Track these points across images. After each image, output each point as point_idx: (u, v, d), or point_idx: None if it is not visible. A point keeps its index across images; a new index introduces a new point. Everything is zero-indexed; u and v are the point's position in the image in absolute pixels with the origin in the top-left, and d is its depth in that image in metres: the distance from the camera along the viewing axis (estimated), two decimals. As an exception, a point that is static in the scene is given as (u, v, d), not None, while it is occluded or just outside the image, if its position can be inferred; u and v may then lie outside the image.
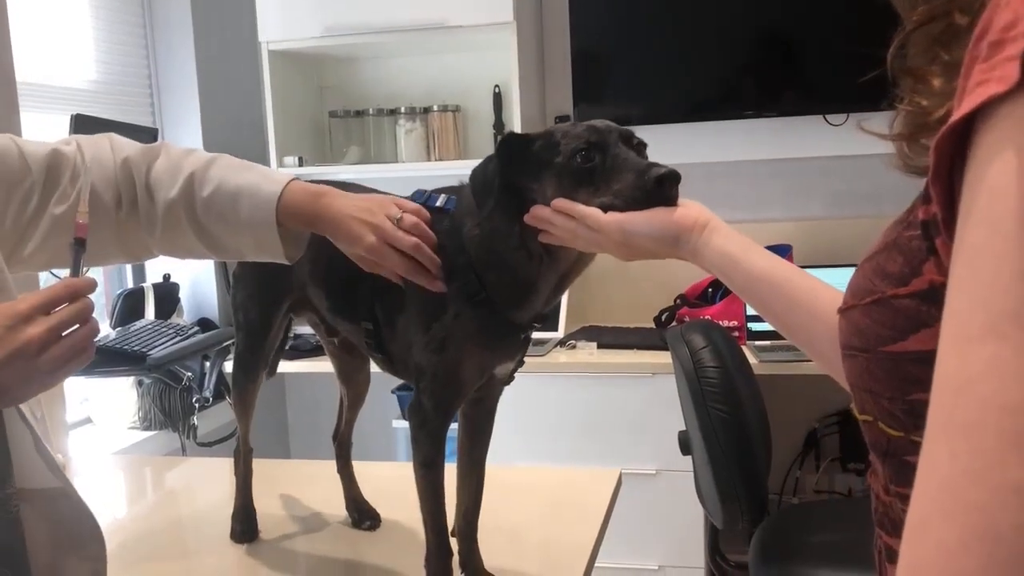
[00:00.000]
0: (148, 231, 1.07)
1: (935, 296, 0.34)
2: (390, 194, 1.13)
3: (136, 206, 1.06)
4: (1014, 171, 0.31)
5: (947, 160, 0.36)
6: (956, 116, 0.34)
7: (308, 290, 1.29)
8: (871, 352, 0.49)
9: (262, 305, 1.36)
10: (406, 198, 1.13)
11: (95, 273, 2.73)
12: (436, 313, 1.11)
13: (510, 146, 1.06)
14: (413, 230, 1.04)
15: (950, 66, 0.39)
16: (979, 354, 0.31)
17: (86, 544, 0.92)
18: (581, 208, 0.98)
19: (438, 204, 1.12)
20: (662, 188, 0.96)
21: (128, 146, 1.09)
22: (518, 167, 1.05)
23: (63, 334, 0.80)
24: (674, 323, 2.75)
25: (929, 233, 0.45)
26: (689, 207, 0.95)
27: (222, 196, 1.05)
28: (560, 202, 1.00)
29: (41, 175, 1.00)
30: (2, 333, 0.77)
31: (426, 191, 1.15)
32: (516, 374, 1.24)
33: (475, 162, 1.10)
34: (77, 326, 0.82)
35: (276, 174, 1.09)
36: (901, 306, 0.47)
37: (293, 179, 1.07)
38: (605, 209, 0.97)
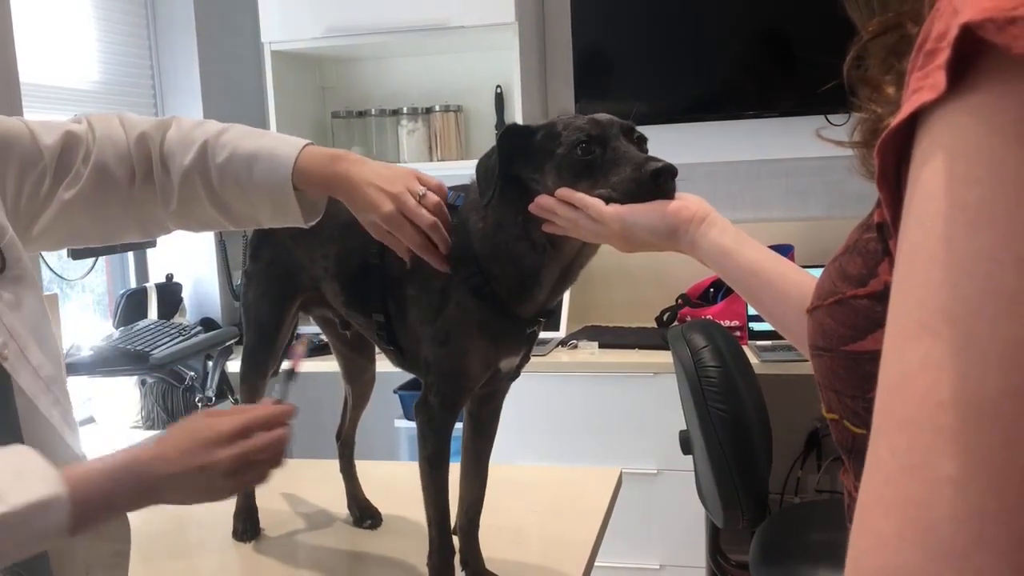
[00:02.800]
0: (164, 204, 1.06)
1: (889, 297, 0.35)
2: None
3: (151, 179, 1.05)
4: (943, 174, 0.33)
5: (892, 164, 0.37)
6: (894, 123, 0.35)
7: (323, 285, 1.30)
8: (834, 351, 0.51)
9: (273, 303, 1.37)
10: None
11: (100, 268, 2.73)
12: (441, 306, 1.13)
13: (512, 137, 1.07)
14: (433, 209, 1.05)
15: (902, 75, 0.40)
16: (915, 351, 0.32)
17: (109, 525, 0.92)
18: (583, 197, 1.00)
19: (448, 200, 1.14)
20: (658, 181, 0.97)
21: (141, 121, 1.08)
22: (520, 158, 1.07)
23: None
24: (675, 323, 2.75)
25: (883, 235, 0.47)
26: (688, 201, 0.97)
27: (237, 161, 1.04)
28: (563, 191, 1.02)
29: (53, 159, 1.00)
30: (199, 447, 0.83)
31: None
32: (521, 371, 1.25)
33: (477, 162, 1.11)
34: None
35: (291, 139, 1.07)
36: (860, 306, 0.48)
37: (309, 143, 1.06)
38: (604, 201, 0.99)
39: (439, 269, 1.09)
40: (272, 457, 0.88)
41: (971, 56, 0.32)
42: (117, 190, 1.04)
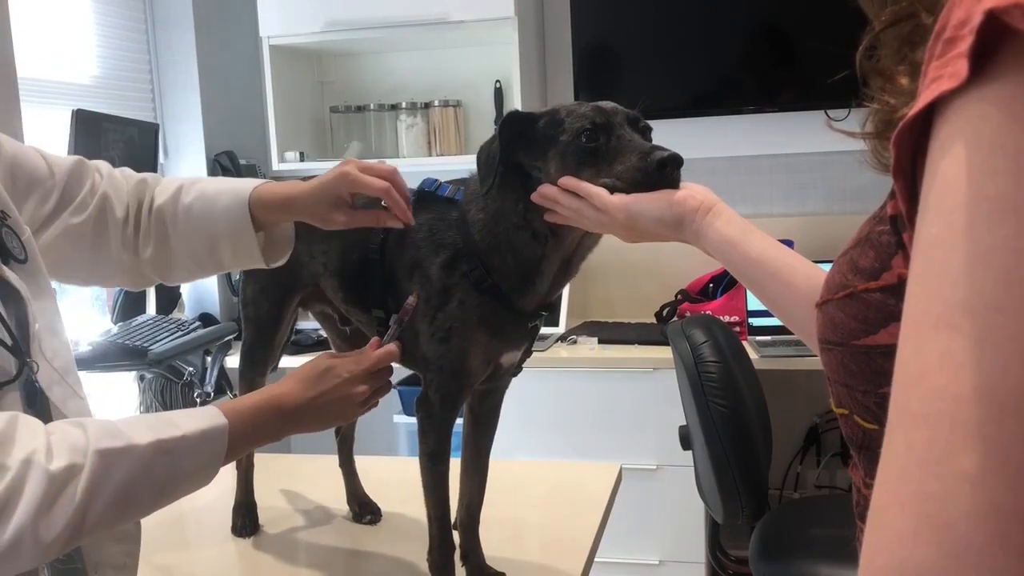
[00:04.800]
0: (143, 247, 1.10)
1: (903, 290, 0.34)
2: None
3: (139, 222, 1.10)
4: (964, 165, 0.32)
5: (908, 155, 0.36)
6: (911, 112, 0.35)
7: (322, 282, 1.30)
8: (845, 345, 0.50)
9: (273, 300, 1.36)
10: (417, 187, 1.17)
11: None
12: (441, 303, 1.12)
13: (513, 124, 1.06)
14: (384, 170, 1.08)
15: (916, 65, 0.40)
16: (933, 345, 0.32)
17: (122, 528, 0.92)
18: (588, 187, 0.99)
19: (447, 194, 1.14)
20: (664, 171, 0.96)
21: (143, 174, 1.14)
22: (522, 145, 1.06)
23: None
24: (675, 318, 2.75)
25: (897, 228, 0.46)
26: (694, 190, 0.95)
27: (203, 199, 1.09)
28: (567, 180, 1.01)
29: (63, 180, 1.04)
30: (344, 384, 1.02)
31: (437, 180, 1.16)
32: (523, 366, 1.25)
33: (478, 149, 1.10)
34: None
35: (263, 181, 1.13)
36: (872, 300, 0.48)
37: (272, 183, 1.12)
38: (608, 190, 0.98)
39: (403, 219, 1.08)
40: (383, 387, 1.08)
41: (994, 44, 0.32)
42: (115, 229, 1.08)
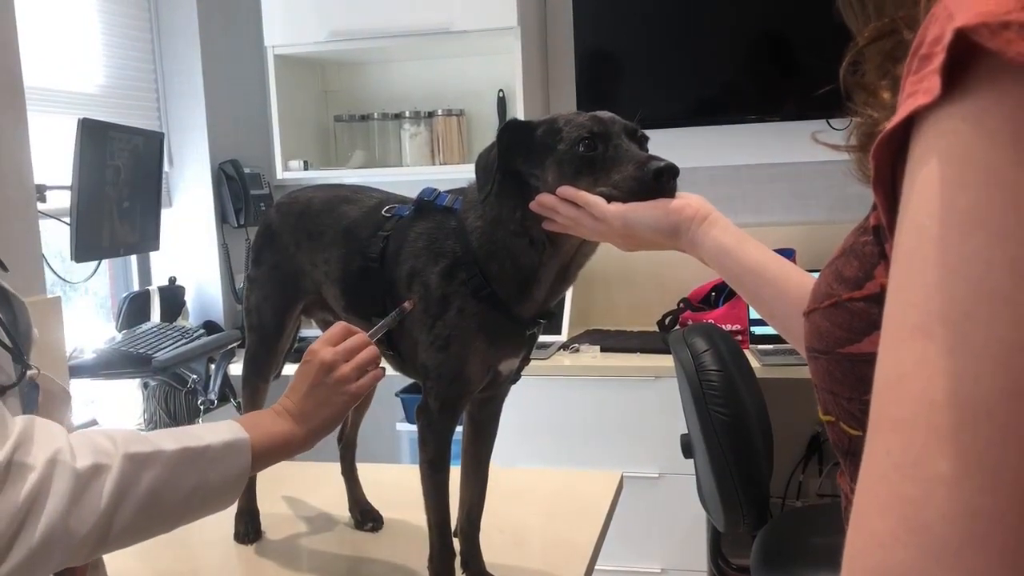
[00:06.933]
0: None
1: (885, 299, 0.35)
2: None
3: None
4: (936, 178, 0.33)
5: (887, 168, 0.37)
6: (888, 127, 0.36)
7: (324, 290, 1.31)
8: (830, 354, 0.51)
9: (276, 307, 1.37)
10: (417, 195, 1.19)
11: (103, 270, 2.73)
12: (440, 312, 1.13)
13: (512, 131, 1.08)
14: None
15: (898, 80, 0.41)
16: (909, 353, 0.32)
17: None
18: (586, 196, 1.00)
19: (445, 203, 1.15)
20: (660, 180, 0.98)
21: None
22: (520, 153, 1.07)
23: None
24: (677, 327, 2.75)
25: (879, 238, 0.47)
26: (689, 199, 0.97)
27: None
28: (565, 189, 1.02)
29: None
30: (324, 367, 1.01)
31: (436, 190, 1.17)
32: (522, 374, 1.26)
33: (476, 157, 1.12)
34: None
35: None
36: (856, 309, 0.49)
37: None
38: (606, 199, 0.99)
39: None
40: (365, 351, 1.04)
41: (965, 60, 0.32)
42: None
